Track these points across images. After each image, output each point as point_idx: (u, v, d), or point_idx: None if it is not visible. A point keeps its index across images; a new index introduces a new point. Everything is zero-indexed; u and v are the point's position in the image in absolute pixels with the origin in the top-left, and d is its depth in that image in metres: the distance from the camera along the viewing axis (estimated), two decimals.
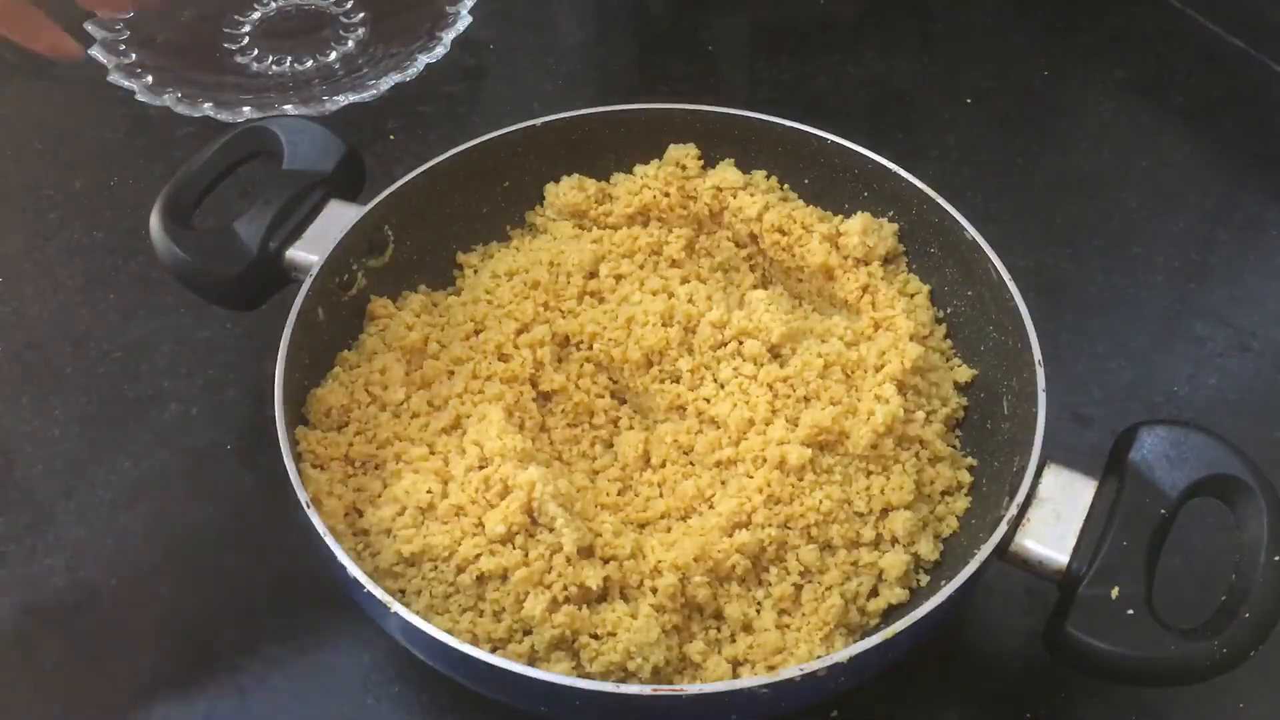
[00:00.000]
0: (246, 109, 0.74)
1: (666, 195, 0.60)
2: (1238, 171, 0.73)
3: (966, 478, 0.51)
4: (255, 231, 0.55)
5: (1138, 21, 0.84)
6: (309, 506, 0.44)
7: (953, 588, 0.42)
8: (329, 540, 0.43)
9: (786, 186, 0.62)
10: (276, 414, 0.47)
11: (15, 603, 0.53)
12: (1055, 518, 0.43)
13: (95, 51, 0.77)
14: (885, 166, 0.57)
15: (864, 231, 0.57)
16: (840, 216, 0.60)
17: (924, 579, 0.48)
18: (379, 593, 0.42)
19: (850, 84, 0.81)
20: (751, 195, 0.60)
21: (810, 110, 0.78)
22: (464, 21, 0.80)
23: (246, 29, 0.84)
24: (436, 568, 0.46)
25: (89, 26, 0.79)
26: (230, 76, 0.80)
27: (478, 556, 0.45)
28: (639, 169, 0.62)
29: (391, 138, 0.77)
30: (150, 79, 0.76)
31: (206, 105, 0.74)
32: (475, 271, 0.60)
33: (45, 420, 0.60)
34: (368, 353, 0.54)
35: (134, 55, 0.79)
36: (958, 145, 0.76)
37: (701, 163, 0.62)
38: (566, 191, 0.61)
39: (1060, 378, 0.61)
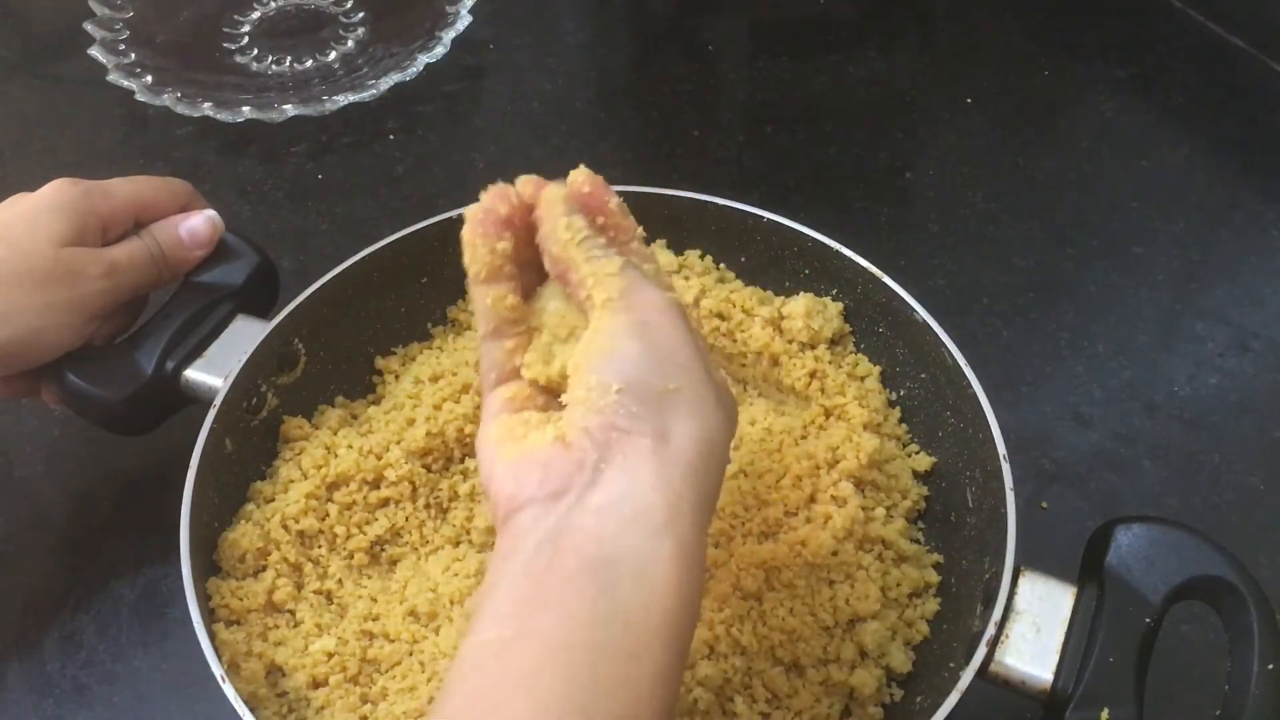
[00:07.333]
0: (246, 109, 0.74)
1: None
2: (1238, 171, 0.73)
3: (934, 577, 0.49)
4: (151, 350, 0.51)
5: (1138, 21, 0.84)
6: (224, 680, 0.41)
7: None
8: (247, 717, 0.40)
9: (723, 266, 0.58)
10: (184, 571, 0.43)
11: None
12: (1035, 631, 0.41)
13: (95, 51, 0.77)
14: (825, 244, 0.54)
15: (807, 314, 0.54)
16: (781, 298, 0.57)
17: (897, 693, 0.46)
18: None
19: (850, 84, 0.81)
20: (687, 279, 0.57)
21: (810, 110, 0.78)
22: (464, 21, 0.80)
23: (246, 29, 0.84)
24: None
25: (89, 26, 0.79)
26: (230, 76, 0.80)
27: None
28: None
29: (391, 138, 0.77)
30: (150, 79, 0.76)
31: (206, 105, 0.74)
32: (396, 377, 0.56)
33: (45, 420, 0.60)
34: (283, 482, 0.50)
35: (134, 55, 0.79)
36: (958, 145, 0.76)
37: None
38: None
39: (1060, 378, 0.62)
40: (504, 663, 0.30)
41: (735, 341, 0.56)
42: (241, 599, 0.47)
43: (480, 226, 0.37)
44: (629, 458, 0.32)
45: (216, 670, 0.41)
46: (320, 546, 0.49)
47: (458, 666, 0.31)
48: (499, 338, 0.38)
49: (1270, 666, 0.39)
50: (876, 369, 0.55)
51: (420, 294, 0.58)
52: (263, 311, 0.54)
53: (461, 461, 0.52)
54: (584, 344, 0.35)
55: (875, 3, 0.88)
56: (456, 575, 0.47)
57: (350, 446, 0.51)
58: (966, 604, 0.46)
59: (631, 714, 0.30)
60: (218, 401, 0.49)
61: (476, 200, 0.56)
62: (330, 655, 0.45)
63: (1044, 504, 0.56)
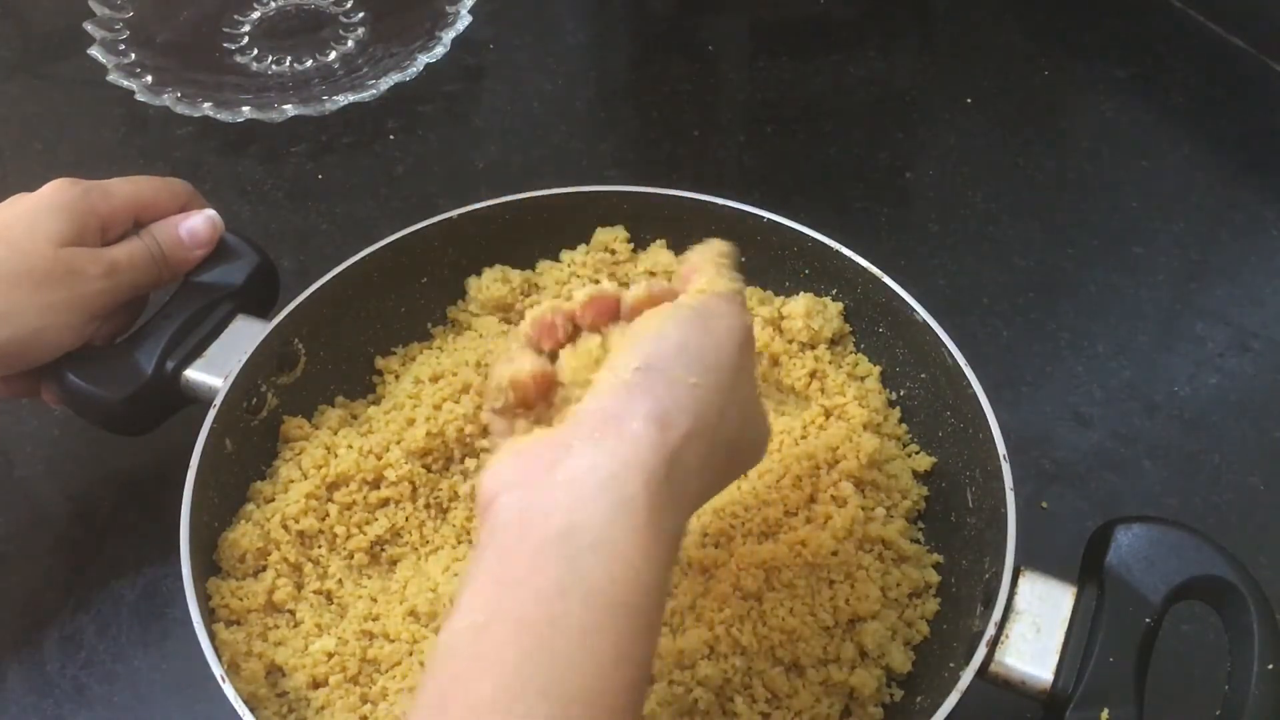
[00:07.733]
0: (246, 109, 0.74)
1: (596, 283, 0.56)
2: (1238, 171, 0.73)
3: (934, 577, 0.49)
4: (151, 350, 0.51)
5: (1138, 21, 0.84)
6: (224, 680, 0.41)
7: None
8: (247, 717, 0.40)
9: None
10: (184, 571, 0.43)
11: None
12: (1035, 631, 0.41)
13: (95, 51, 0.77)
14: (825, 244, 0.55)
15: (807, 314, 0.55)
16: (782, 298, 0.57)
17: (897, 693, 0.46)
18: None
19: (850, 84, 0.80)
20: None
21: (810, 110, 0.78)
22: (464, 21, 0.80)
23: (246, 29, 0.84)
24: None
25: (89, 26, 0.79)
26: (230, 76, 0.80)
27: None
28: (565, 255, 0.59)
29: (391, 138, 0.77)
30: (150, 79, 0.76)
31: (206, 105, 0.74)
32: (396, 377, 0.56)
33: (45, 420, 0.60)
34: (283, 482, 0.50)
35: (134, 55, 0.79)
36: (958, 145, 0.76)
37: (631, 246, 0.59)
38: (489, 285, 0.57)
39: (1060, 377, 0.62)
40: (475, 647, 0.30)
41: None
42: (241, 599, 0.47)
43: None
44: (607, 437, 0.32)
45: (216, 670, 0.41)
46: (320, 546, 0.49)
47: (433, 655, 0.31)
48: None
49: (1270, 666, 0.39)
50: (876, 369, 0.55)
51: (420, 294, 0.58)
52: (263, 311, 0.54)
53: (461, 462, 0.52)
54: (638, 321, 0.36)
55: (875, 3, 0.88)
56: (456, 575, 0.47)
57: (350, 446, 0.51)
58: (966, 604, 0.46)
59: (593, 690, 0.29)
60: (218, 401, 0.49)
61: (476, 202, 0.57)
62: (330, 655, 0.45)
63: (1044, 504, 0.56)
